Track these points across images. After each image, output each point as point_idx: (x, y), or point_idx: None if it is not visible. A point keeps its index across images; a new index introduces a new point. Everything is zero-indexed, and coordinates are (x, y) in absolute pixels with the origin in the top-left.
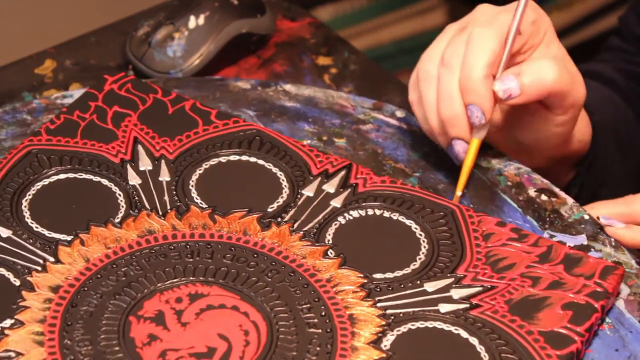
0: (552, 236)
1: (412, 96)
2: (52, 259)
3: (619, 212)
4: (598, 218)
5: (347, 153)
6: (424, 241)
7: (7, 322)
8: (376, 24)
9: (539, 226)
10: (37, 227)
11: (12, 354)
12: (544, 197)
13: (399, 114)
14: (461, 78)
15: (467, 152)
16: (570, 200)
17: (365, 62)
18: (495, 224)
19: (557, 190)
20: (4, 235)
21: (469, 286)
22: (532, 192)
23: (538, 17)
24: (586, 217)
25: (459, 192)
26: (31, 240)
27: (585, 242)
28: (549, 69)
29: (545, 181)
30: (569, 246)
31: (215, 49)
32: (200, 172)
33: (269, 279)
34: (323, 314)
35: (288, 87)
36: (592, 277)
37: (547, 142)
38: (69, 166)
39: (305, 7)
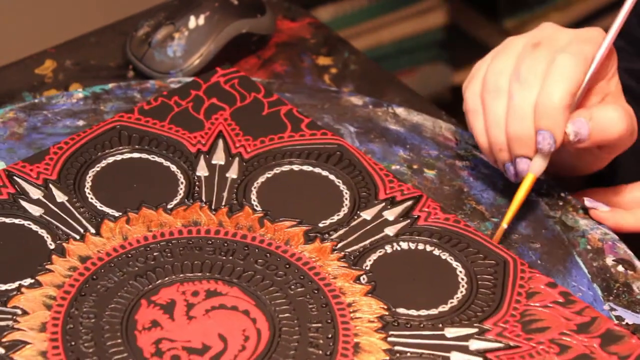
0: (612, 309)
1: (471, 104)
2: (93, 231)
3: (607, 200)
4: (583, 200)
5: (431, 185)
6: (463, 286)
7: (27, 281)
8: (376, 24)
9: (603, 296)
10: (92, 199)
11: (19, 311)
12: (620, 268)
13: None
14: (540, 99)
15: (522, 183)
16: None
17: (365, 62)
18: (546, 284)
19: (637, 263)
20: (58, 200)
21: (490, 340)
22: (609, 260)
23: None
24: None
25: (505, 225)
26: (82, 209)
27: None
28: (619, 121)
29: (629, 252)
30: (616, 322)
31: (216, 49)
32: (269, 175)
33: (291, 292)
34: (330, 336)
35: (399, 110)
36: (627, 359)
37: (579, 169)
38: (146, 146)
39: (305, 7)
